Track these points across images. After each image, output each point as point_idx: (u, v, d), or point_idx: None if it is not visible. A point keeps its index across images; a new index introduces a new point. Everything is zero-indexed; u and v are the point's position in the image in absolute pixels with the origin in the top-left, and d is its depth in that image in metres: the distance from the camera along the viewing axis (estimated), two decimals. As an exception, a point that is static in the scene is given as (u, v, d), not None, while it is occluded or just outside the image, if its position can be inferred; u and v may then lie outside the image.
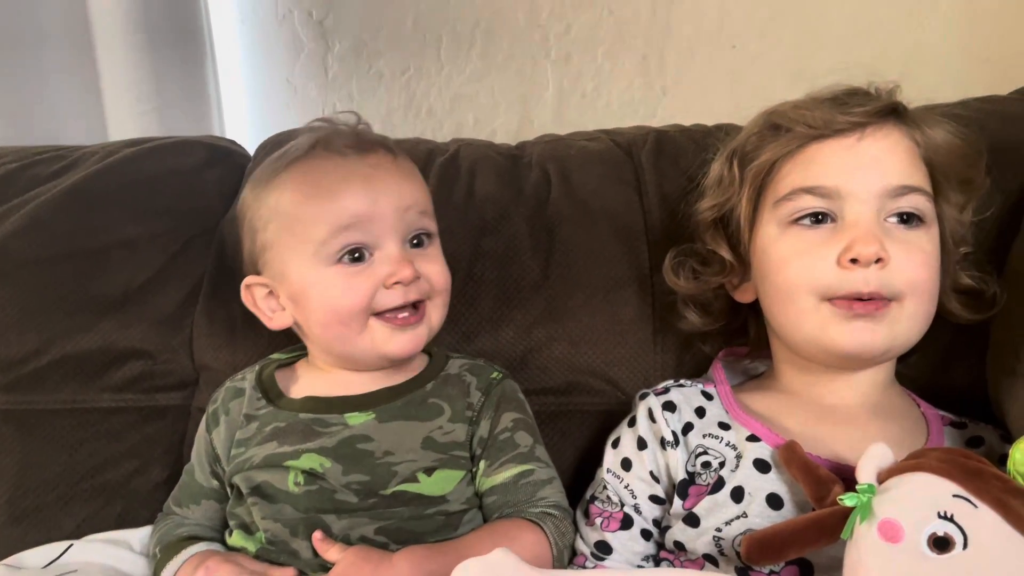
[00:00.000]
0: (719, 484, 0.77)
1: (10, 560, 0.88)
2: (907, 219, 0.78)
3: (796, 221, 0.80)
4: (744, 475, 0.76)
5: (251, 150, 1.16)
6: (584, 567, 0.82)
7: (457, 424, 0.82)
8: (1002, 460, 0.63)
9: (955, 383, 0.90)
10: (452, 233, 0.96)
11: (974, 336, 0.87)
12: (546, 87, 1.42)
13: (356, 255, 0.80)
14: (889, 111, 0.81)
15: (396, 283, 0.80)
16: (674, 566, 0.78)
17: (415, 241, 0.84)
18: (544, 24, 1.39)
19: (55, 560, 0.88)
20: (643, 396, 0.86)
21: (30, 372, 0.99)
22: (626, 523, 0.82)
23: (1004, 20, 1.30)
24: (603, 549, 0.81)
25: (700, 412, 0.83)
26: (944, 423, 0.83)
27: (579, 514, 0.85)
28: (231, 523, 0.85)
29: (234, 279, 0.89)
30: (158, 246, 1.04)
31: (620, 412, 0.90)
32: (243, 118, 1.50)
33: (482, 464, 0.82)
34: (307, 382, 0.87)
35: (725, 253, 0.87)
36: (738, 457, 0.78)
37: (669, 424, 0.81)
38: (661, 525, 0.82)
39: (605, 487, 0.84)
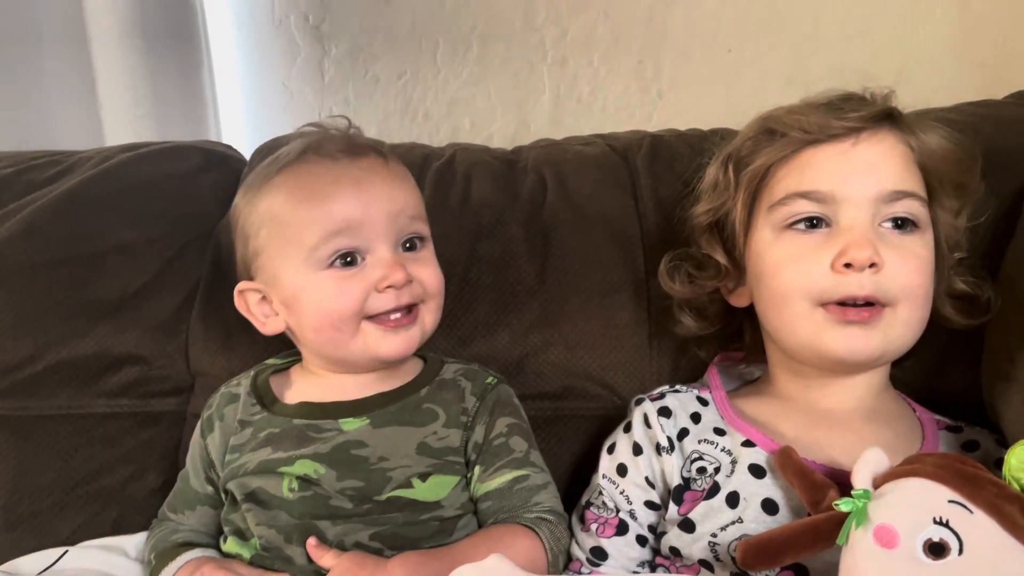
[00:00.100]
0: (714, 489, 0.77)
1: (5, 567, 0.88)
2: (901, 224, 0.78)
3: (791, 226, 0.80)
4: (739, 480, 0.76)
5: (247, 154, 1.16)
6: (580, 573, 0.82)
7: (452, 429, 0.82)
8: (998, 464, 0.63)
9: (950, 387, 0.90)
10: (448, 237, 0.96)
11: (969, 341, 0.87)
12: (542, 91, 1.42)
13: (348, 259, 0.80)
14: (884, 116, 0.81)
15: (388, 287, 0.80)
16: (670, 572, 0.78)
17: (408, 245, 0.84)
18: (540, 28, 1.39)
19: (50, 566, 0.88)
20: (639, 401, 0.86)
21: (25, 378, 0.98)
22: (622, 529, 0.81)
23: (998, 24, 1.30)
24: (599, 555, 0.81)
25: (695, 417, 0.83)
26: (939, 427, 0.83)
27: (575, 520, 0.85)
28: (226, 529, 0.84)
29: (230, 284, 0.88)
30: (154, 251, 1.04)
31: (616, 417, 0.90)
32: (239, 122, 1.49)
33: (477, 469, 0.82)
34: (301, 387, 0.87)
35: (720, 257, 0.87)
36: (733, 462, 0.78)
37: (664, 430, 0.81)
38: (657, 531, 0.82)
39: (601, 493, 0.84)
